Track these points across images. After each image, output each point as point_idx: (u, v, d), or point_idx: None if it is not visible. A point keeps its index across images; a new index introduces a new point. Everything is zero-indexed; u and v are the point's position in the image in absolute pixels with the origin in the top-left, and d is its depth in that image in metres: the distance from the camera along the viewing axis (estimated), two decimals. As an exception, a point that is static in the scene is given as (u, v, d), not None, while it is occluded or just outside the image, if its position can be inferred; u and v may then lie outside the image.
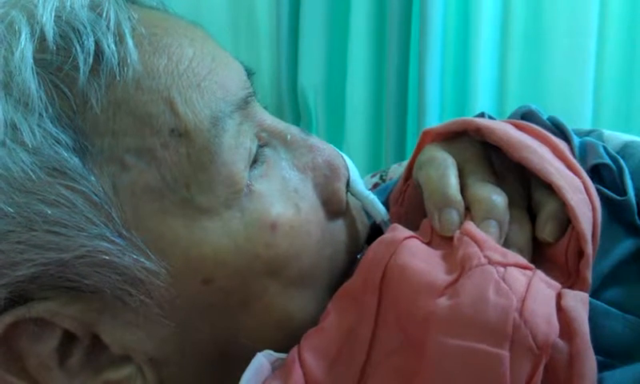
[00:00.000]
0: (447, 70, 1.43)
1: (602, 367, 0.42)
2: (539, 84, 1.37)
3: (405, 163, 0.57)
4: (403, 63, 1.45)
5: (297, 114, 1.62)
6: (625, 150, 0.56)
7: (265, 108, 0.51)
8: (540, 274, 0.42)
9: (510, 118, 0.58)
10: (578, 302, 0.41)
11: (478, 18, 1.36)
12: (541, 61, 1.36)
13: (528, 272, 0.42)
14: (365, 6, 1.48)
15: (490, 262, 0.42)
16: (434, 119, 1.38)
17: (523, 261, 0.43)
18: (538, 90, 1.36)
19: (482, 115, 0.58)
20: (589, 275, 0.45)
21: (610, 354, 0.44)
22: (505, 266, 0.42)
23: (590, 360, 0.38)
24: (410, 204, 0.54)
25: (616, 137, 0.58)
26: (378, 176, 0.77)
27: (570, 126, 0.57)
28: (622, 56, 1.32)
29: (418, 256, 0.44)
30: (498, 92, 1.40)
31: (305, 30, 1.55)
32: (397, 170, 0.75)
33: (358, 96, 1.51)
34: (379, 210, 0.52)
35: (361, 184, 0.52)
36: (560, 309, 0.40)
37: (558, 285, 0.42)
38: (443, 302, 0.40)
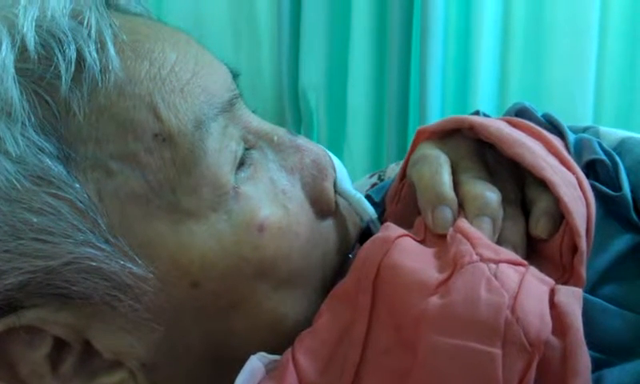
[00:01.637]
0: (448, 71, 1.42)
1: (600, 364, 0.42)
2: (540, 84, 1.36)
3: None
4: (404, 64, 1.45)
5: (298, 115, 1.61)
6: (621, 146, 0.56)
7: (255, 111, 0.51)
8: (533, 270, 0.42)
9: (504, 115, 0.58)
10: (571, 298, 0.40)
11: (479, 18, 1.35)
12: (542, 60, 1.36)
13: (520, 268, 0.42)
14: (366, 6, 1.48)
15: (482, 259, 0.41)
16: (435, 120, 1.37)
17: (516, 257, 0.43)
18: (538, 90, 1.36)
19: (476, 113, 0.58)
20: (583, 271, 0.45)
21: (608, 351, 0.44)
22: (497, 262, 0.41)
23: (584, 356, 0.38)
24: (406, 202, 0.54)
25: (612, 133, 0.58)
26: (376, 176, 0.77)
27: (567, 123, 0.56)
28: (623, 55, 1.31)
29: (410, 255, 0.44)
30: (499, 92, 1.40)
31: (306, 31, 1.55)
32: (394, 170, 0.75)
33: (359, 97, 1.51)
34: (366, 209, 0.52)
35: (347, 183, 0.52)
36: (553, 305, 0.40)
37: (551, 281, 0.42)
38: (435, 300, 0.40)
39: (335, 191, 0.51)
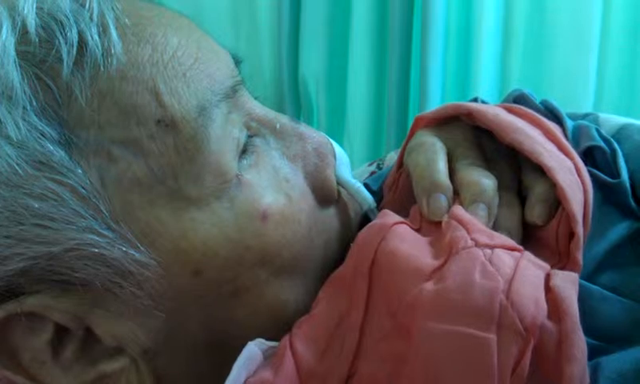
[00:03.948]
0: (449, 60, 1.42)
1: (598, 352, 0.42)
2: (542, 74, 1.36)
3: (401, 151, 0.57)
4: (405, 53, 1.45)
5: (298, 104, 1.61)
6: (620, 132, 0.56)
7: (256, 98, 0.51)
8: (528, 255, 0.42)
9: (502, 102, 0.58)
10: (567, 282, 0.40)
11: (481, 8, 1.35)
12: (543, 52, 1.36)
13: (516, 253, 0.42)
14: (367, -5, 1.48)
15: (477, 244, 0.41)
16: (436, 109, 1.37)
17: (511, 242, 0.43)
18: (540, 81, 1.36)
19: (475, 100, 0.58)
20: (579, 256, 0.45)
21: (607, 339, 0.44)
22: (492, 247, 0.41)
23: (580, 341, 0.38)
24: (404, 191, 0.54)
25: (612, 120, 0.58)
26: (375, 164, 0.77)
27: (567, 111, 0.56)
28: (625, 46, 1.31)
29: (406, 241, 0.44)
30: (501, 83, 1.40)
31: (306, 20, 1.55)
32: (393, 158, 0.75)
33: (359, 86, 1.51)
34: (365, 198, 0.52)
35: (347, 172, 0.52)
36: (549, 289, 0.40)
37: (547, 266, 0.42)
38: (429, 286, 0.40)
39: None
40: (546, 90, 1.34)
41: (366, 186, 0.57)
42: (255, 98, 0.51)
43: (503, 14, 1.37)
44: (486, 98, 0.59)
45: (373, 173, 0.74)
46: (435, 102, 1.39)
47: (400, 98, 1.45)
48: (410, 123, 0.56)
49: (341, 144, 0.52)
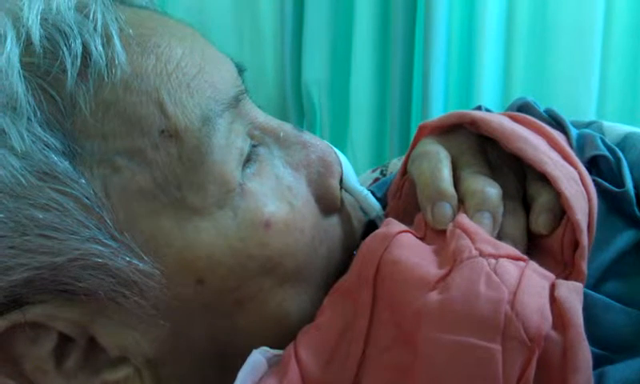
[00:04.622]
0: (452, 66, 1.42)
1: (603, 361, 0.42)
2: (544, 80, 1.36)
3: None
4: (408, 59, 1.45)
5: (300, 110, 1.61)
6: (625, 141, 0.55)
7: (259, 106, 0.51)
8: (533, 264, 0.42)
9: (506, 110, 0.58)
10: (572, 292, 0.40)
11: (483, 13, 1.35)
12: (546, 57, 1.36)
13: (520, 263, 0.42)
14: (369, 1, 1.48)
15: (482, 254, 0.41)
16: (438, 115, 1.37)
17: (516, 252, 0.43)
18: (542, 87, 1.36)
19: (478, 108, 0.58)
20: (584, 266, 0.44)
21: (612, 348, 0.44)
22: (497, 257, 0.41)
23: (584, 351, 0.38)
24: (407, 198, 0.53)
25: (616, 128, 0.58)
26: (378, 171, 0.77)
27: (571, 119, 0.56)
28: (628, 52, 1.31)
29: (410, 250, 0.44)
30: (503, 87, 1.40)
31: (309, 26, 1.55)
32: (397, 165, 0.75)
33: (362, 92, 1.51)
34: (373, 205, 0.52)
35: (354, 179, 0.52)
36: (553, 299, 0.40)
37: (551, 275, 0.42)
38: (434, 296, 0.40)
39: (342, 187, 0.51)
40: (548, 92, 1.35)
41: (371, 192, 0.57)
42: (258, 106, 0.51)
43: (505, 18, 1.37)
44: (489, 103, 0.59)
45: (376, 179, 0.74)
46: (438, 107, 1.39)
47: (403, 104, 1.46)
48: (413, 129, 0.56)
49: (344, 150, 0.52)
